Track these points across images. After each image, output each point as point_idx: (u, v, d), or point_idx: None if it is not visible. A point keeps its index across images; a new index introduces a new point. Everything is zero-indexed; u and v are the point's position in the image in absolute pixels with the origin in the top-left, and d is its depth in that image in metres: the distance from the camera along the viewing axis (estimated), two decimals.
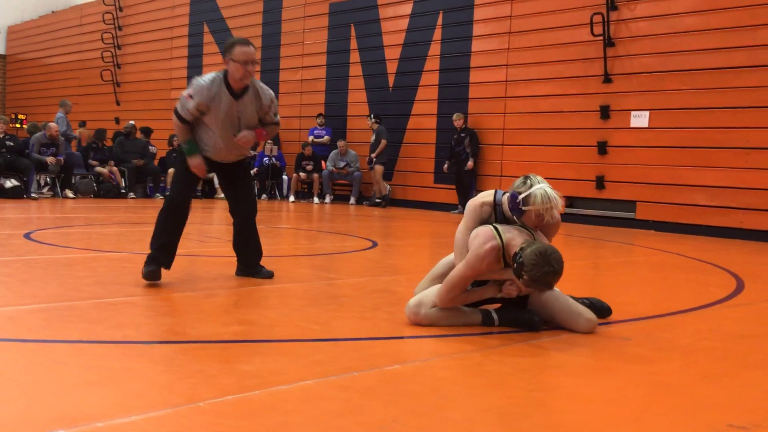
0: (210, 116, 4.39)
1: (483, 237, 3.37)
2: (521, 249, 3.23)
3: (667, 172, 10.13)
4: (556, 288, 3.52)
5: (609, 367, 2.98)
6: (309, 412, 2.25)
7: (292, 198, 14.23)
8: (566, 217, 10.97)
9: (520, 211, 3.43)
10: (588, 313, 3.54)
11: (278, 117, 4.71)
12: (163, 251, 4.41)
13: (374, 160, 13.10)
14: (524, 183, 3.45)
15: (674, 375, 2.89)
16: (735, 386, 2.78)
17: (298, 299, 4.21)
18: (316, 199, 14.02)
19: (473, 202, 3.66)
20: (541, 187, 3.41)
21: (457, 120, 12.13)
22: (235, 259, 4.85)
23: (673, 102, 10.12)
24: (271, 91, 4.61)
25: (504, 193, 3.60)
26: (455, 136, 12.20)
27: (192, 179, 4.56)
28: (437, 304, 3.44)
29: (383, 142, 13.03)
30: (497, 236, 3.36)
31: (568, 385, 2.70)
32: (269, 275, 4.71)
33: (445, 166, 12.24)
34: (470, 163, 11.94)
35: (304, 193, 14.74)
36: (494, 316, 3.54)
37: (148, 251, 4.43)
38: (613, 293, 4.94)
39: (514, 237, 3.37)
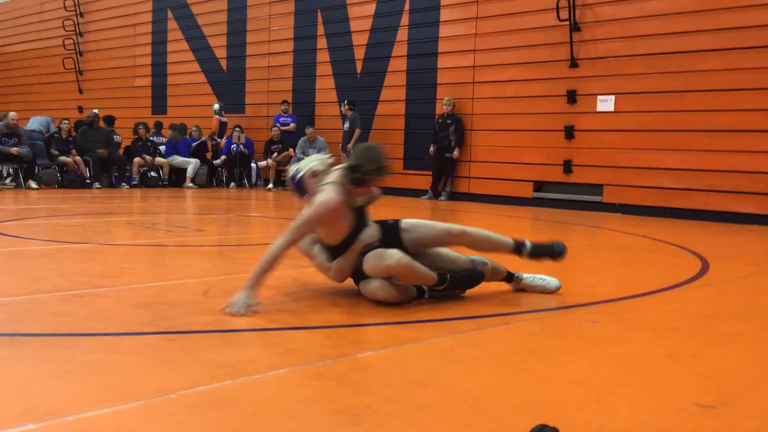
0: None
1: (325, 190, 3.71)
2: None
3: (633, 156, 10.26)
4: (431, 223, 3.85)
5: (577, 348, 3.02)
6: (282, 401, 2.25)
7: (270, 186, 14.01)
8: (533, 201, 11.06)
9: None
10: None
11: None
12: None
13: (350, 150, 12.93)
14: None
15: (641, 355, 2.94)
16: (701, 366, 2.83)
17: (269, 288, 4.18)
18: (271, 185, 13.91)
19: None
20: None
21: (447, 105, 11.94)
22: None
23: (638, 86, 10.23)
24: None
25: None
26: (440, 121, 12.08)
27: None
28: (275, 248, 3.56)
29: (357, 131, 12.92)
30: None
31: (538, 367, 2.73)
32: None
33: (431, 148, 12.10)
34: (456, 153, 11.73)
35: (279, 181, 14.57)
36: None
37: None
38: (580, 276, 5.00)
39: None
